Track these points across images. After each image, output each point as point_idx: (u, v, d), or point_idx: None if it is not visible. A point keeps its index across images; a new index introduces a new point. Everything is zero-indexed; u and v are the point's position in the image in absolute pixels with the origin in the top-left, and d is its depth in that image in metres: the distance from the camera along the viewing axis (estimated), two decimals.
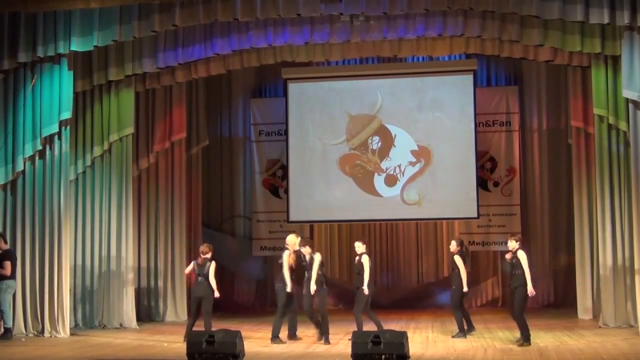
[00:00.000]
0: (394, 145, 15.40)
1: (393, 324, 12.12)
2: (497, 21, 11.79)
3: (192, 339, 9.00)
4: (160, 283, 14.28)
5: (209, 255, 11.19)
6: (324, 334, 10.96)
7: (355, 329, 10.27)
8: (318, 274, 10.91)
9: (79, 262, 13.12)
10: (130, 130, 13.35)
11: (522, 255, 10.48)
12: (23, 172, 12.12)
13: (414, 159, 15.33)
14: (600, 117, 12.34)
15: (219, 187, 16.62)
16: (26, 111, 12.10)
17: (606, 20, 10.91)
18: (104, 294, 13.16)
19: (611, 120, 12.15)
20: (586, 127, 13.37)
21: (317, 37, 12.34)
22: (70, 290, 12.34)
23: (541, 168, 15.71)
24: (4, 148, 11.99)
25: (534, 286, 10.46)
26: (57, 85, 12.10)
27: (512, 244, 10.60)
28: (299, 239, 11.43)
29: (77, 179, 13.11)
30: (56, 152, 12.19)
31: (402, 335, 8.72)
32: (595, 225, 12.76)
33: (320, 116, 15.61)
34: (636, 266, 11.39)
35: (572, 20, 11.13)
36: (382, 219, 15.61)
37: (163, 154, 14.41)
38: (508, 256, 10.74)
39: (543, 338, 11.05)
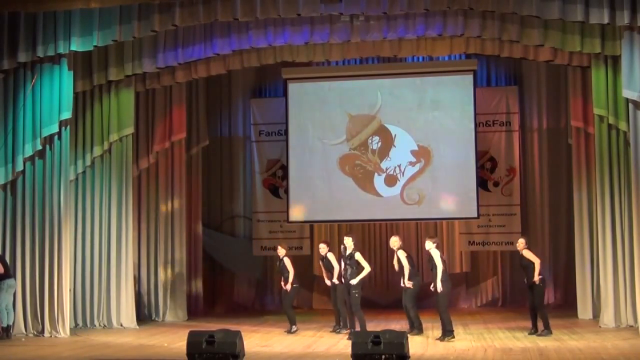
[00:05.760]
0: (394, 145, 15.39)
1: (393, 324, 12.11)
2: (497, 21, 11.78)
3: (191, 339, 8.99)
4: (160, 283, 14.28)
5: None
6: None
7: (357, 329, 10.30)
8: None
9: (79, 262, 13.12)
10: (130, 130, 13.36)
11: (528, 253, 11.56)
12: (23, 172, 12.12)
13: (414, 159, 15.31)
14: (600, 117, 12.34)
15: (219, 187, 16.59)
16: (26, 111, 12.11)
17: (606, 20, 10.91)
18: (104, 294, 13.17)
19: (611, 120, 12.16)
20: (586, 127, 13.37)
21: (317, 37, 12.33)
22: (70, 290, 12.34)
23: (541, 168, 15.70)
24: (4, 148, 11.99)
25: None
26: (57, 85, 12.10)
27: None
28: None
29: (77, 179, 13.12)
30: (56, 152, 12.19)
31: (402, 335, 8.71)
32: (595, 225, 12.76)
33: (320, 116, 15.59)
34: (636, 266, 11.40)
35: (572, 20, 11.12)
36: (382, 219, 15.58)
37: (163, 154, 14.39)
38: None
39: (543, 338, 11.05)
